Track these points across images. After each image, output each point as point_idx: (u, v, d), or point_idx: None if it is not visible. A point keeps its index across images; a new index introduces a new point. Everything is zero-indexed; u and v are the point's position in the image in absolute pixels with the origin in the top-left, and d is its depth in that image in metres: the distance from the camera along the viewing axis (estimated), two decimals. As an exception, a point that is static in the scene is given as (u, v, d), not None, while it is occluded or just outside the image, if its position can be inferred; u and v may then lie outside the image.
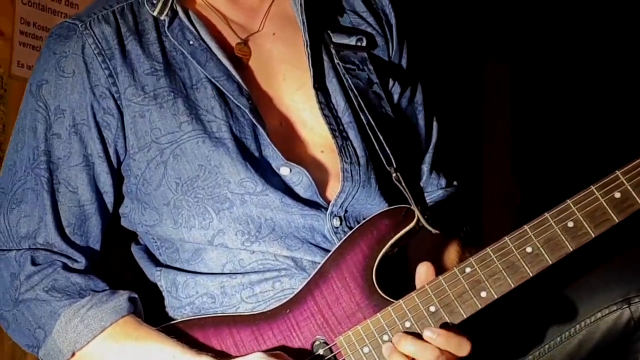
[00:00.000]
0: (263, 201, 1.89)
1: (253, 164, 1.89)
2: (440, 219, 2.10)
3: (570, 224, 1.77)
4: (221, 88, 1.91)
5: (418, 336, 1.77)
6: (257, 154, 1.91)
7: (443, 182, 2.24)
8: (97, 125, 1.90)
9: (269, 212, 1.89)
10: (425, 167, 2.21)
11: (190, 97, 1.91)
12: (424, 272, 1.82)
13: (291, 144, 1.98)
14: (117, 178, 1.95)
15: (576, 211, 1.77)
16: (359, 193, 1.97)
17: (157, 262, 1.98)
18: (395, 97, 2.16)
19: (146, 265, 1.99)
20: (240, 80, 1.93)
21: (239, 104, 1.91)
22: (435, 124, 2.24)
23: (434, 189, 2.23)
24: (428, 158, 2.21)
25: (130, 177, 1.93)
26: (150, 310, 1.94)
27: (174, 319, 1.91)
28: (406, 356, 1.75)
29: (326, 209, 1.94)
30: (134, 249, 2.03)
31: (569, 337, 1.99)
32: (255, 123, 1.91)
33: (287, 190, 1.92)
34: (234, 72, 1.93)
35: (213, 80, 1.92)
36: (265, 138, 1.92)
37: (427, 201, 2.18)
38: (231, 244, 1.89)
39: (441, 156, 2.24)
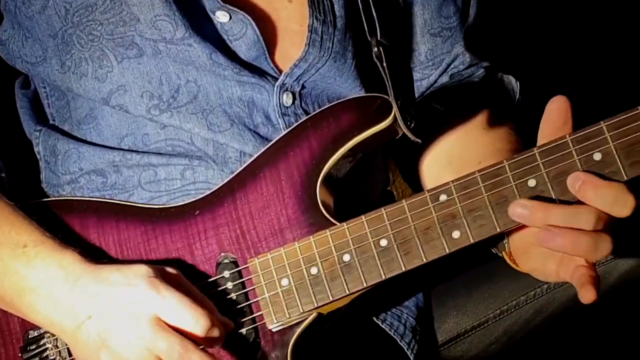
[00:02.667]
0: (185, 55, 1.39)
1: None
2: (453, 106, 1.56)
3: (597, 156, 1.22)
4: None
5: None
6: None
7: (481, 69, 1.65)
8: None
9: (193, 71, 1.40)
10: (459, 47, 1.61)
11: None
12: (554, 109, 1.25)
13: None
14: None
15: (610, 139, 1.22)
16: (328, 67, 1.45)
17: (40, 118, 1.51)
18: None
19: (26, 119, 1.52)
20: None
21: None
22: None
23: (467, 73, 1.64)
24: (460, 34, 1.61)
25: None
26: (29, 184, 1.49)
27: (50, 199, 1.44)
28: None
29: (276, 80, 1.43)
30: (19, 94, 1.55)
31: None
32: None
33: (221, 44, 1.41)
34: None
35: None
36: None
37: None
38: (133, 108, 1.41)
39: (481, 35, 1.65)
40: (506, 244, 1.37)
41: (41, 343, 1.33)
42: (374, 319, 1.53)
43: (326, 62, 1.45)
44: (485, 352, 1.60)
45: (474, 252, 1.38)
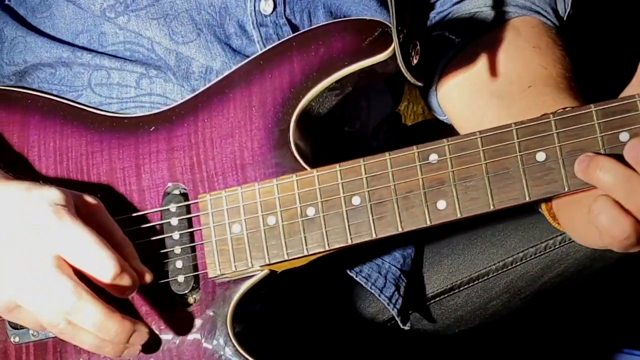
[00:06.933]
0: None
1: None
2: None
3: (624, 137, 0.99)
4: None
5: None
6: None
7: None
8: None
9: None
10: None
11: None
12: None
13: None
14: None
15: None
16: None
17: None
18: None
19: None
20: None
21: None
22: None
23: None
24: None
25: None
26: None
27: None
28: None
29: None
30: None
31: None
32: None
33: None
34: None
35: None
36: None
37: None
38: (86, 5, 1.21)
39: None
40: None
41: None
42: (347, 271, 1.32)
43: None
44: (483, 309, 1.41)
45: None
